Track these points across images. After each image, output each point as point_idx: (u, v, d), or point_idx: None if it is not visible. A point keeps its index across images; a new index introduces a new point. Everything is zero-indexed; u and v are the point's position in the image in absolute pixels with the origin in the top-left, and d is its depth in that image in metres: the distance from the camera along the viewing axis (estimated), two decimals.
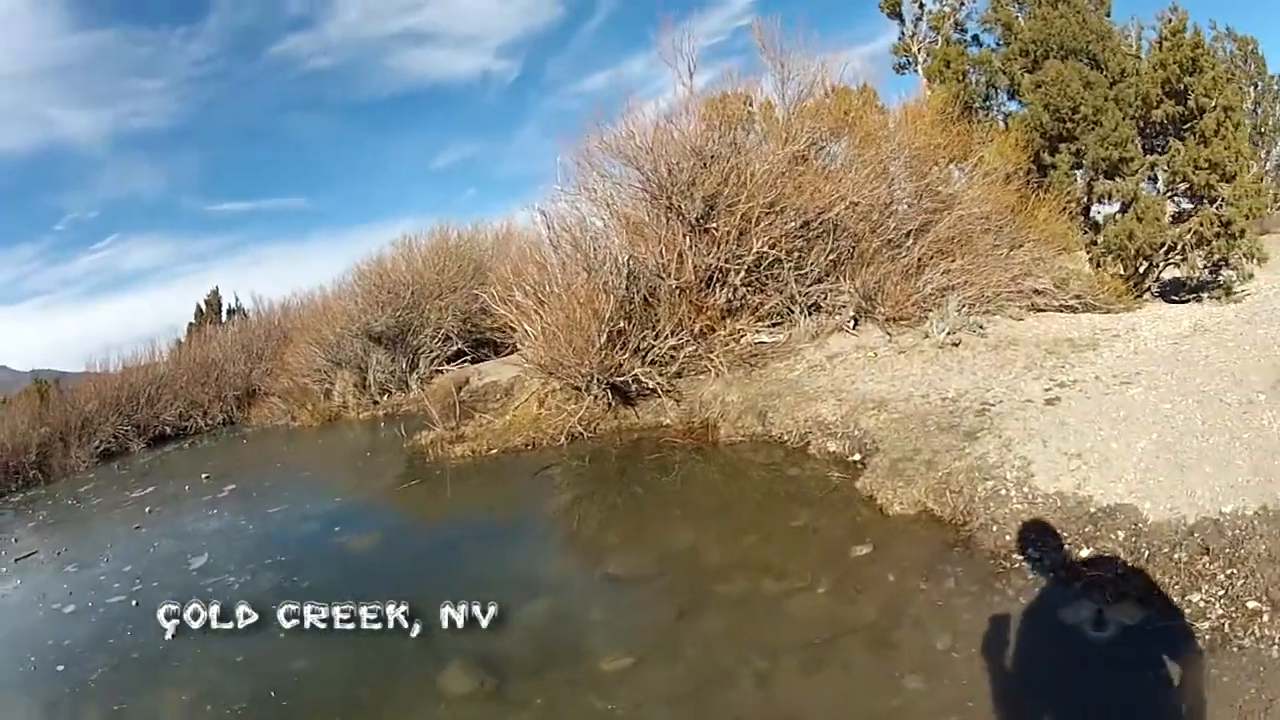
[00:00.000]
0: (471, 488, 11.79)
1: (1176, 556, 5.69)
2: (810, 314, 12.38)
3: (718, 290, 12.66)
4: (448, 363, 19.71)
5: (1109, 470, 6.82)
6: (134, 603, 8.56)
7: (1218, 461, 6.51)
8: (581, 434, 11.99)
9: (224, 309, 33.30)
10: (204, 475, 15.44)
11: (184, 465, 18.40)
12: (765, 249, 12.42)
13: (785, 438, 9.94)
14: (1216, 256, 13.35)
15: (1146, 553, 5.81)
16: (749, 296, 12.80)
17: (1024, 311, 11.84)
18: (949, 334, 10.81)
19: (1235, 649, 4.82)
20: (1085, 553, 6.07)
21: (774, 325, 12.61)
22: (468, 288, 19.51)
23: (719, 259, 12.62)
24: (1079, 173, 14.62)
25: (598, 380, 11.84)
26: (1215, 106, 13.03)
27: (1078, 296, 12.30)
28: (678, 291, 12.48)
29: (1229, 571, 5.38)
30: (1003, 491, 7.07)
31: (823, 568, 7.00)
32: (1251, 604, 5.06)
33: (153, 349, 26.88)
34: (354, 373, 19.93)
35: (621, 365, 11.88)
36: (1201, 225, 13.10)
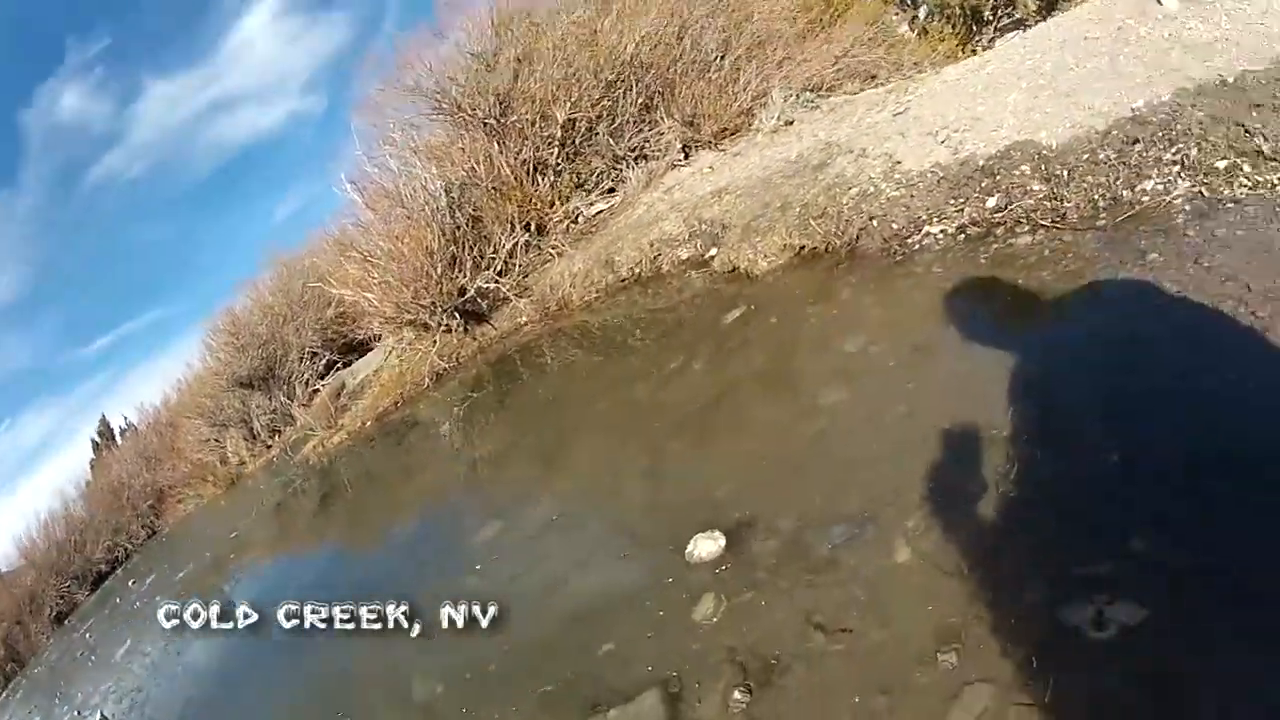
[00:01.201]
0: (348, 472, 11.32)
1: (1103, 157, 5.02)
2: (639, 164, 11.32)
3: (540, 180, 11.66)
4: (321, 379, 18.43)
5: (984, 128, 6.10)
6: None
7: (1106, 76, 5.77)
8: (445, 369, 11.22)
9: (116, 433, 32.11)
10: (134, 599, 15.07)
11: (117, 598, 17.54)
12: (571, 118, 11.40)
13: (637, 270, 8.88)
14: None
15: (1065, 172, 5.11)
16: (573, 173, 11.87)
17: (859, 85, 10.88)
18: (779, 119, 9.73)
19: (1231, 204, 4.13)
20: (992, 202, 5.38)
21: (609, 191, 11.62)
22: (317, 299, 18.23)
23: (531, 149, 11.63)
24: None
25: (444, 310, 10.93)
26: None
27: (914, 64, 11.40)
28: (498, 195, 11.49)
29: (1175, 148, 4.68)
30: (871, 190, 6.36)
31: (696, 347, 6.38)
32: (1221, 163, 4.38)
33: (63, 500, 25.61)
34: (239, 427, 18.62)
35: (465, 288, 10.97)
36: None
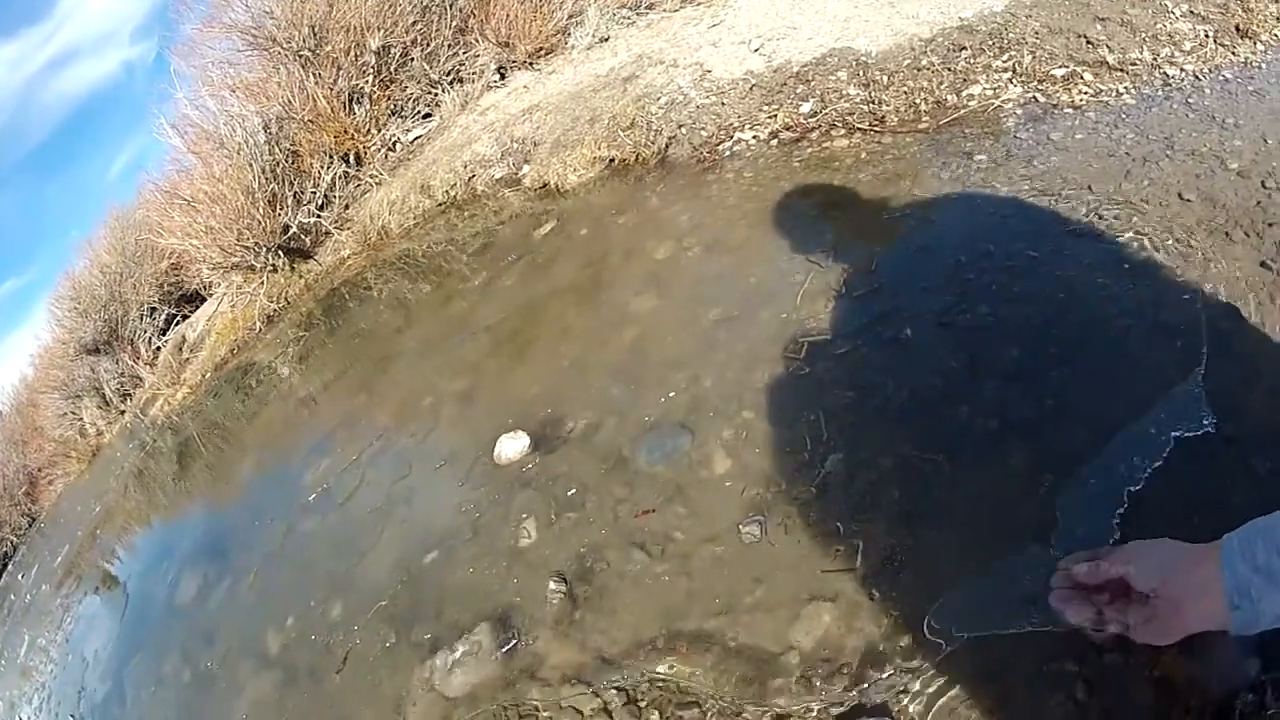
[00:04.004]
0: (196, 426, 10.64)
1: (925, 63, 4.71)
2: (455, 88, 10.86)
3: (357, 110, 11.14)
4: (162, 335, 17.62)
5: (800, 36, 5.81)
6: None
7: None
8: (276, 310, 10.70)
9: None
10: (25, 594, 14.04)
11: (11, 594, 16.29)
12: (385, 45, 10.93)
13: (452, 193, 8.51)
14: None
15: (884, 77, 4.85)
16: (388, 100, 11.38)
17: (679, 2, 10.57)
18: (594, 36, 9.33)
19: (1069, 110, 3.84)
20: (807, 107, 5.09)
21: (425, 117, 11.16)
22: (151, 252, 17.37)
23: (346, 79, 11.13)
24: None
25: (268, 250, 10.45)
26: None
27: None
28: (315, 128, 10.94)
29: (1006, 55, 4.39)
30: (680, 99, 6.04)
31: (510, 264, 6.17)
32: (1059, 71, 4.09)
33: None
34: (92, 396, 17.60)
35: (287, 226, 10.49)
36: None
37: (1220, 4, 3.93)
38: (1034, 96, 4.01)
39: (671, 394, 3.48)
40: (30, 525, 21.17)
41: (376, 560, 4.09)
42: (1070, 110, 3.79)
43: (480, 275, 6.29)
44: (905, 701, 1.94)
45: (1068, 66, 4.06)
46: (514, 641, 2.90)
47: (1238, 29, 3.79)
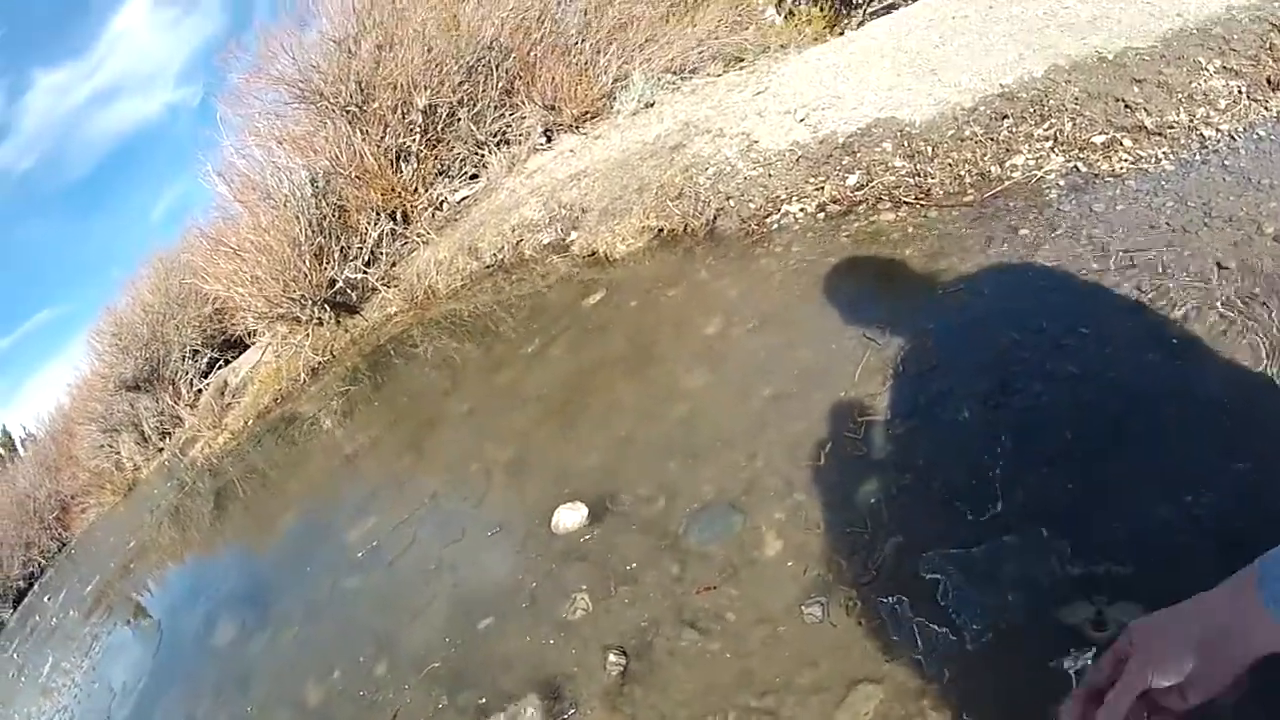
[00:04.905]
0: (236, 471, 10.75)
1: (969, 133, 4.79)
2: (501, 149, 10.99)
3: (404, 168, 11.27)
4: (204, 378, 17.81)
5: (845, 106, 5.87)
6: None
7: (976, 53, 5.50)
8: (321, 362, 10.88)
9: (17, 443, 30.82)
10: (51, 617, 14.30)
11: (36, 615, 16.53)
12: (432, 104, 11.08)
13: (499, 256, 8.61)
14: None
15: (929, 148, 4.91)
16: (436, 159, 11.49)
17: (723, 68, 10.74)
18: (640, 101, 9.52)
19: (1110, 179, 3.91)
20: (853, 179, 5.15)
21: (472, 177, 11.30)
22: (194, 296, 17.46)
23: (394, 136, 11.25)
24: None
25: (314, 303, 10.60)
26: None
27: (780, 46, 11.26)
28: (362, 184, 11.07)
29: (1047, 124, 4.46)
30: (728, 170, 6.13)
31: (558, 332, 6.22)
32: (1099, 138, 4.16)
33: None
34: (130, 431, 17.70)
35: (334, 279, 10.62)
36: None
37: (1251, 56, 4.04)
38: (1075, 166, 4.09)
39: (724, 473, 3.53)
40: (60, 550, 21.28)
41: (427, 622, 4.14)
42: (1111, 179, 3.87)
43: (529, 342, 6.34)
44: None
45: (1107, 133, 4.15)
46: (567, 714, 2.95)
47: (1269, 81, 3.90)
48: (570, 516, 3.96)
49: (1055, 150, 4.29)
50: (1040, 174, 4.20)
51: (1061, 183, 4.05)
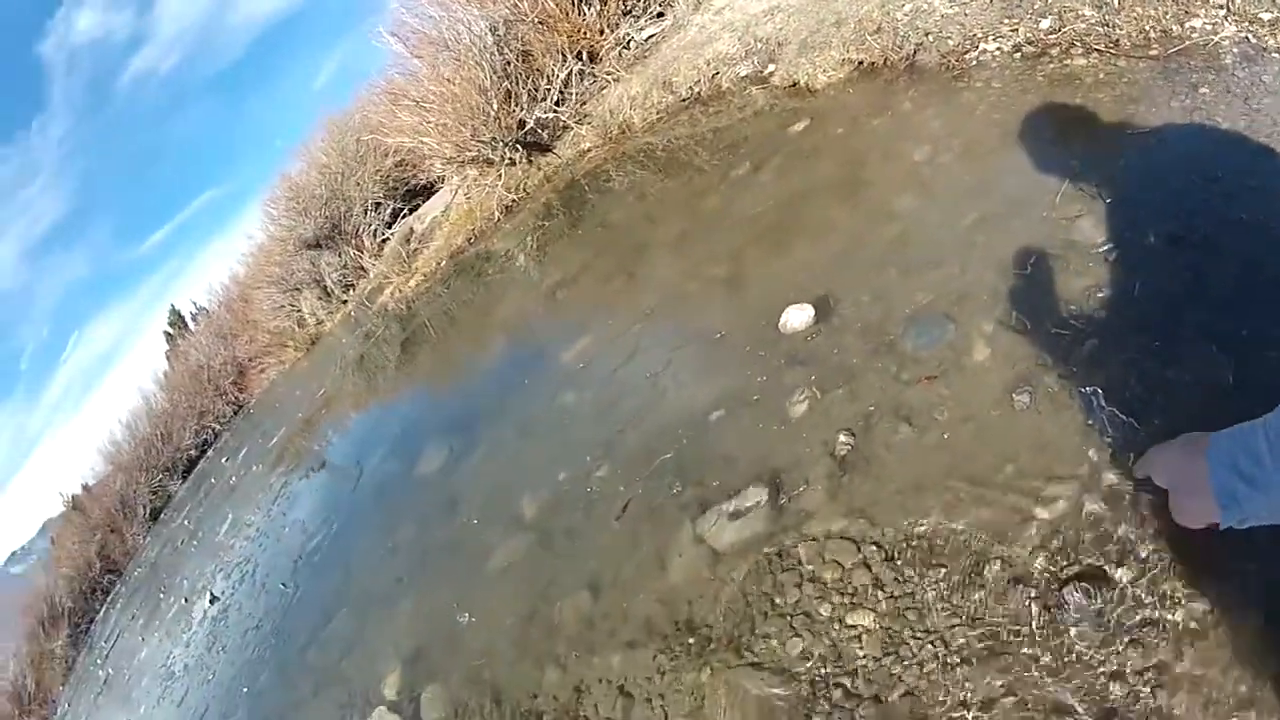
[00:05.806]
0: (428, 313, 11.40)
1: None
2: None
3: (586, 10, 11.20)
4: (388, 228, 18.36)
5: None
6: None
7: None
8: (514, 200, 11.23)
9: (188, 319, 32.37)
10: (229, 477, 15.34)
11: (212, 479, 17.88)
12: None
13: (696, 89, 8.69)
14: None
15: (1116, 1, 4.80)
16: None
17: None
18: None
19: (1276, 54, 3.88)
20: (1046, 23, 5.12)
21: (658, 16, 11.16)
22: (374, 151, 17.99)
23: None
24: None
25: (505, 144, 10.89)
26: None
27: None
28: (545, 28, 11.09)
29: None
30: (925, 7, 6.08)
31: (764, 158, 6.31)
32: (1266, 15, 4.09)
33: (143, 396, 26.20)
34: (312, 288, 18.65)
35: (524, 121, 10.86)
36: None
37: None
38: (1246, 37, 4.08)
39: (936, 284, 3.73)
40: (235, 413, 22.67)
41: (655, 421, 4.47)
42: (1277, 54, 3.88)
43: (736, 167, 6.49)
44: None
45: (1272, 11, 4.12)
46: (793, 494, 3.24)
47: None
48: (798, 316, 4.18)
49: (1228, 19, 4.25)
50: (1216, 39, 4.19)
51: (1235, 50, 4.04)
